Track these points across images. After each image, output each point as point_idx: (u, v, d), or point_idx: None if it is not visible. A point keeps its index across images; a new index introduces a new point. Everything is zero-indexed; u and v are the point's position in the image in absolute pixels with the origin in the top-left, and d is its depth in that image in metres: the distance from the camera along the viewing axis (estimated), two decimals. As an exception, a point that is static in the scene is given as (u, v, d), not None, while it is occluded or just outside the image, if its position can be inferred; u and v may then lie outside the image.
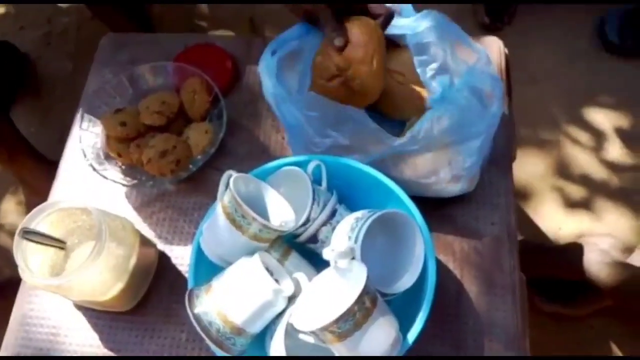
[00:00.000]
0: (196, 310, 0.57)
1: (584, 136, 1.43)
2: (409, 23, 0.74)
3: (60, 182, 0.84)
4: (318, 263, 0.64)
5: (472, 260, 0.73)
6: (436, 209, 0.75)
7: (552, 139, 1.43)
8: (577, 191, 1.37)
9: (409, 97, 0.78)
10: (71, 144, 0.86)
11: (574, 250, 1.11)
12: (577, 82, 1.50)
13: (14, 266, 0.63)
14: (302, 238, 0.68)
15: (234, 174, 0.64)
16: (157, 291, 0.74)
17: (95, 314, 0.74)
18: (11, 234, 1.43)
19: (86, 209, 0.65)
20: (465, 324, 0.70)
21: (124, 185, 0.78)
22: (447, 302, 0.71)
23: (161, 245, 0.78)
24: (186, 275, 0.66)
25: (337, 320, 0.53)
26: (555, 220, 1.33)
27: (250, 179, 0.67)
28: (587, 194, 1.36)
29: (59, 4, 1.78)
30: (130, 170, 0.81)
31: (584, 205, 1.35)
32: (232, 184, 0.61)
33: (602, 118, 1.45)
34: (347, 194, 0.70)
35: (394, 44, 0.82)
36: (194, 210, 0.80)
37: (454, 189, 0.72)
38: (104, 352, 0.72)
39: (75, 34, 1.73)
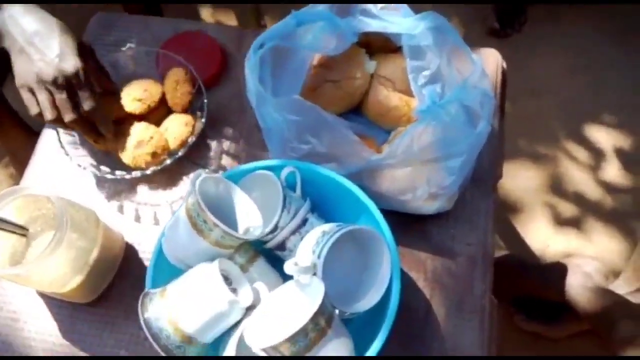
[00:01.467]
0: (147, 315, 0.56)
1: (582, 153, 1.40)
2: (407, 23, 0.71)
3: (35, 164, 0.82)
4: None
5: (444, 280, 0.72)
6: (411, 224, 0.73)
7: (548, 153, 1.40)
8: (569, 209, 1.34)
9: (395, 107, 0.76)
10: (49, 127, 0.84)
11: (556, 271, 1.09)
12: (581, 97, 1.47)
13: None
14: (270, 245, 0.66)
15: (204, 174, 0.62)
16: (120, 285, 0.73)
17: (57, 303, 0.72)
18: None
19: (50, 197, 0.63)
20: (430, 346, 0.68)
21: (96, 174, 0.76)
22: (414, 323, 0.69)
23: (129, 238, 0.76)
24: (151, 271, 0.65)
25: (289, 339, 0.51)
26: (543, 237, 1.31)
27: (220, 180, 0.65)
28: (579, 213, 1.34)
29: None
30: (105, 157, 0.79)
31: (574, 224, 1.32)
32: (197, 186, 0.59)
33: (603, 136, 1.42)
34: (320, 203, 0.68)
35: (387, 48, 0.79)
36: (166, 204, 0.79)
37: (430, 207, 0.70)
38: (62, 342, 0.71)
39: (77, 7, 1.70)
